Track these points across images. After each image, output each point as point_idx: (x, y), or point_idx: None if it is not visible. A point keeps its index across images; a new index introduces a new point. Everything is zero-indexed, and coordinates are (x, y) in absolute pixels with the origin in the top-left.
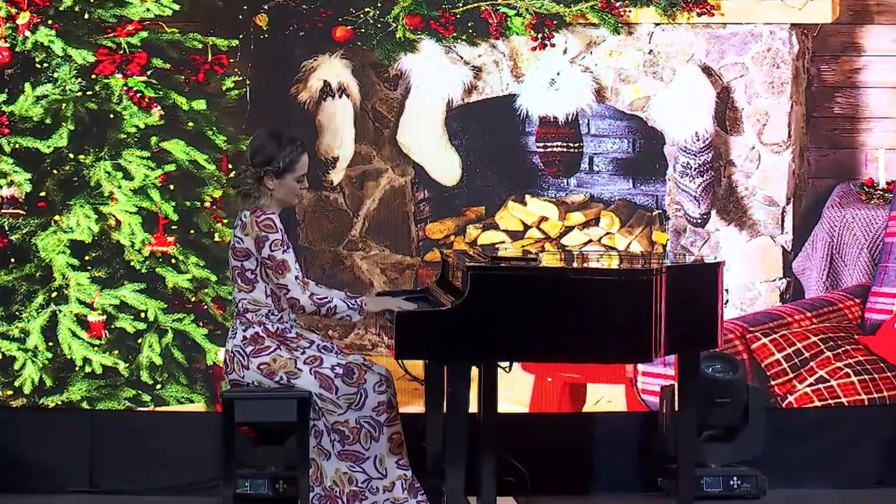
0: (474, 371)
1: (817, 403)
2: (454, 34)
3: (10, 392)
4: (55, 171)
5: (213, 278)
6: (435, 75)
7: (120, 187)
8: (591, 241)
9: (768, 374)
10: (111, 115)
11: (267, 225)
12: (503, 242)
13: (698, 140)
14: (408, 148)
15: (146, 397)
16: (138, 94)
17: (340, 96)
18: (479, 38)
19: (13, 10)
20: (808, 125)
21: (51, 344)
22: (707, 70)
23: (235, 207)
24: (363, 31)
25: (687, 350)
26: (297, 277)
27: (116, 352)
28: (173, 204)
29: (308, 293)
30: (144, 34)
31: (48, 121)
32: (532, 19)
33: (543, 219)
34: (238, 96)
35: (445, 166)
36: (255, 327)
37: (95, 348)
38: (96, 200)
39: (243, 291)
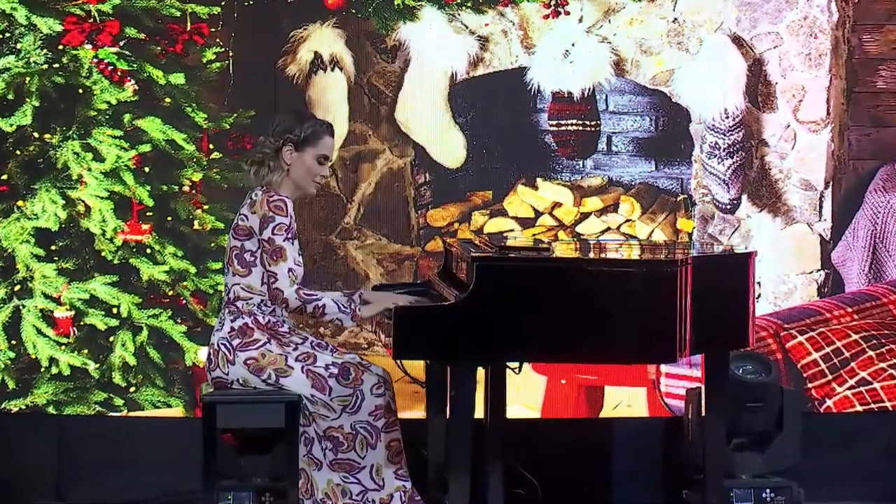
0: (480, 372)
1: (859, 408)
2: (458, 1)
3: None
4: (18, 152)
5: (193, 270)
6: (437, 46)
7: (90, 170)
8: (609, 229)
9: (805, 375)
10: (80, 91)
11: (277, 206)
12: (512, 230)
13: (728, 118)
14: (407, 126)
15: (119, 401)
16: (110, 67)
17: (333, 69)
18: (485, 5)
19: None
20: (848, 101)
21: (13, 342)
22: (737, 40)
23: (247, 185)
24: None
25: (715, 349)
26: (290, 270)
27: (86, 351)
28: (149, 188)
29: (295, 286)
30: (117, 1)
31: (10, 96)
32: None
33: (557, 204)
34: (220, 69)
35: (449, 147)
36: (244, 317)
37: (63, 347)
38: (64, 184)
39: (238, 275)
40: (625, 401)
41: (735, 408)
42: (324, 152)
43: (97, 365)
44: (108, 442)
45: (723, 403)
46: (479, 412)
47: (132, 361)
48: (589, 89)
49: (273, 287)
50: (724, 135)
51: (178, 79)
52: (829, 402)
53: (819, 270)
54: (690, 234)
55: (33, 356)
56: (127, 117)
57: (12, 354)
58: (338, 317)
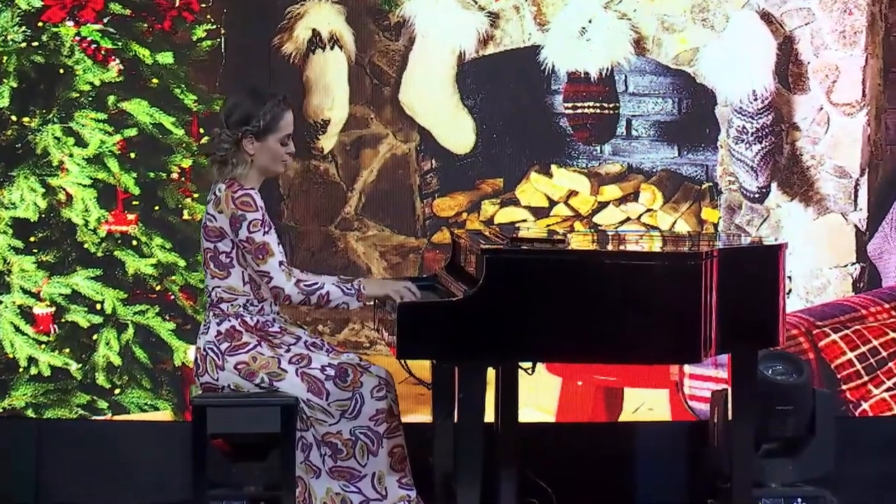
0: (490, 373)
1: None
2: None
3: None
4: None
5: (182, 263)
6: (444, 23)
7: (71, 156)
8: (628, 219)
9: (839, 376)
10: (61, 71)
11: (244, 202)
12: (525, 221)
13: (756, 100)
14: (412, 109)
15: (102, 404)
16: (93, 46)
17: (332, 48)
18: None
19: None
20: (885, 82)
21: None
22: (766, 17)
23: (209, 179)
24: None
25: (742, 348)
26: (280, 263)
27: (67, 350)
28: (134, 175)
29: (294, 280)
30: None
31: None
32: None
33: (572, 193)
34: (211, 48)
35: (456, 131)
36: (231, 320)
37: (43, 346)
38: (43, 171)
39: (217, 278)
40: (646, 404)
41: (764, 411)
42: (286, 132)
43: (79, 365)
44: (90, 447)
45: (751, 407)
46: (490, 416)
47: (117, 361)
48: (607, 69)
49: (270, 287)
50: (752, 118)
51: (166, 58)
52: (865, 405)
53: (854, 264)
54: (716, 225)
55: (11, 355)
56: (111, 99)
57: None
58: (343, 301)
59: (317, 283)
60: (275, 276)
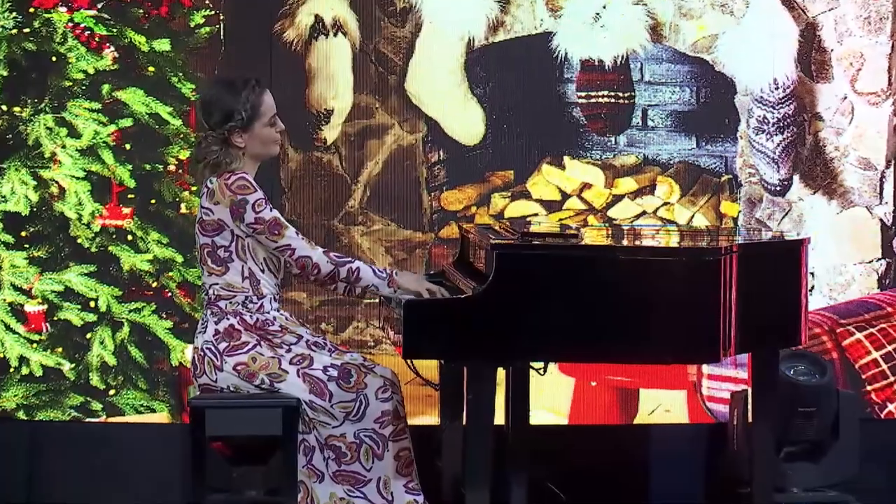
0: (501, 373)
1: None
2: None
3: None
4: None
5: (179, 259)
6: (452, 9)
7: (64, 147)
8: (644, 213)
9: (863, 377)
10: (53, 59)
11: (241, 186)
12: (536, 215)
13: (777, 89)
14: (419, 98)
15: (97, 405)
16: (87, 33)
17: (335, 35)
18: None
19: None
20: None
21: None
22: (788, 2)
23: (201, 180)
24: None
25: (763, 348)
26: (297, 232)
27: (60, 349)
28: (130, 168)
29: (320, 249)
30: None
31: None
32: None
33: (586, 186)
34: (209, 35)
35: (465, 121)
36: (229, 318)
37: (34, 345)
38: (35, 163)
39: (214, 275)
40: (662, 405)
41: (786, 413)
42: (271, 114)
43: (72, 365)
44: (84, 451)
45: (772, 408)
46: (500, 418)
47: (111, 361)
48: (622, 57)
49: (295, 259)
50: (774, 108)
51: (162, 45)
52: (891, 407)
53: (880, 259)
54: (735, 219)
55: (1, 355)
56: (106, 88)
57: None
58: (374, 283)
59: (347, 257)
60: (297, 246)
